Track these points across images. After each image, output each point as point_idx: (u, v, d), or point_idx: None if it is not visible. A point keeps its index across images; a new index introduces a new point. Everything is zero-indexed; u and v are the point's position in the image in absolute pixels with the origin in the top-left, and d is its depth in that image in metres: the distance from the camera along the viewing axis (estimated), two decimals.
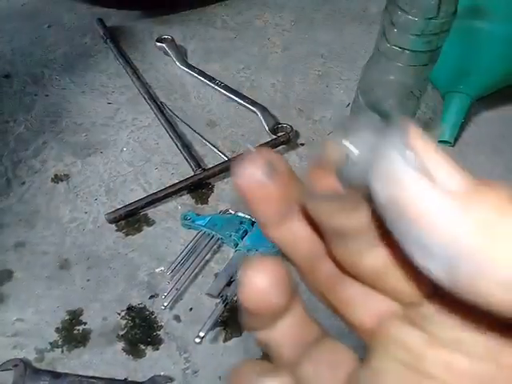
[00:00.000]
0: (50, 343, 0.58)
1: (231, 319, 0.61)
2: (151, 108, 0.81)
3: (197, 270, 0.65)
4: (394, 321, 0.17)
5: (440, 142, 0.79)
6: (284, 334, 0.20)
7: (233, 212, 0.69)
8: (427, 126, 0.82)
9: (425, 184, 0.12)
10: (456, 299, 0.13)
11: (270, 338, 0.20)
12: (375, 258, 0.16)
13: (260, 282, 0.18)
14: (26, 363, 0.56)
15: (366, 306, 0.18)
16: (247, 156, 0.18)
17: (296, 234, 0.20)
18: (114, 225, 0.68)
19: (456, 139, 0.80)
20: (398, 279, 0.16)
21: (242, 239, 0.65)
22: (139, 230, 0.68)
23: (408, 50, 0.62)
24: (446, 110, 0.81)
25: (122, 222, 0.68)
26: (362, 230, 0.16)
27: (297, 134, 0.79)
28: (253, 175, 0.18)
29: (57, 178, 0.73)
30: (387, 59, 0.65)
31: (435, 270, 0.13)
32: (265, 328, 0.20)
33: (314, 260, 0.20)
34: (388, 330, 0.17)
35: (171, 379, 0.56)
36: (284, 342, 0.20)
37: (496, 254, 0.11)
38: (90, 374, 0.56)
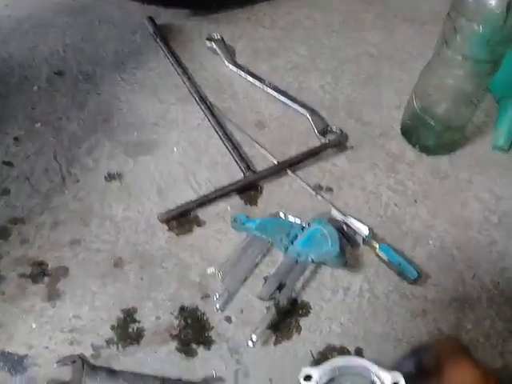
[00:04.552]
0: (106, 340, 0.60)
1: (281, 323, 0.61)
2: (201, 108, 0.82)
3: (247, 272, 0.65)
4: None
5: (494, 147, 0.77)
6: None
7: (283, 215, 0.70)
8: (481, 130, 0.80)
9: None
10: None
11: None
12: None
13: None
14: (83, 359, 0.57)
15: None
16: None
17: None
18: (165, 224, 0.69)
19: (510, 145, 0.78)
20: None
21: (292, 243, 0.66)
22: (190, 230, 0.69)
23: (471, 58, 0.61)
24: (501, 116, 0.79)
25: (174, 222, 0.69)
26: None
27: (346, 137, 0.79)
28: None
29: (110, 177, 0.74)
30: (447, 66, 0.64)
31: None
32: None
33: None
34: None
35: (223, 380, 0.57)
36: None
37: None
38: (145, 371, 0.58)
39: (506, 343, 0.59)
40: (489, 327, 0.61)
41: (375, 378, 0.56)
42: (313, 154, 0.75)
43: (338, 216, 0.69)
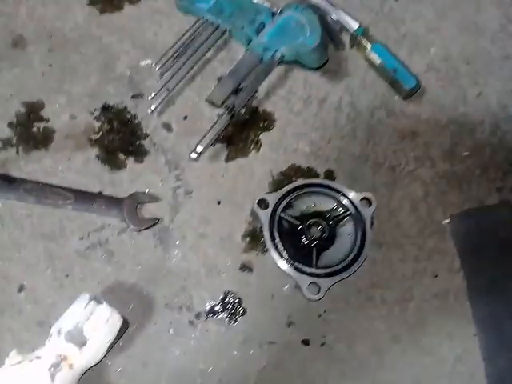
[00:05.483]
0: (2, 140, 0.45)
1: (236, 136, 0.48)
2: None
3: (195, 68, 0.49)
4: None
5: None
6: None
7: None
8: None
9: None
10: None
11: None
12: None
13: None
14: None
15: None
16: None
17: None
18: None
19: None
20: None
21: (257, 34, 0.49)
22: (119, 7, 0.51)
23: None
24: None
25: None
26: None
27: None
28: None
29: None
30: None
31: None
32: None
33: None
34: None
35: (157, 199, 0.45)
36: None
37: None
38: (55, 182, 0.44)
39: (506, 177, 0.49)
40: (488, 157, 0.50)
41: (342, 197, 0.46)
42: None
43: (322, 4, 0.52)
